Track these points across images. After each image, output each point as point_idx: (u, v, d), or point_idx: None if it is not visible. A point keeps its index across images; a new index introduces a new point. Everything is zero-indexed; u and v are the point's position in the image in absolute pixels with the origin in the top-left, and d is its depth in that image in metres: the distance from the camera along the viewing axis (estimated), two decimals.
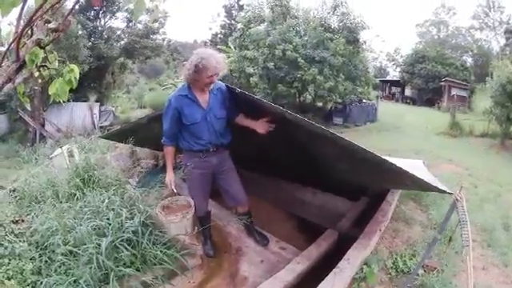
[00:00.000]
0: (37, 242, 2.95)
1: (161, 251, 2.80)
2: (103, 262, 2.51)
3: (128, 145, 4.67)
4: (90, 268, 2.48)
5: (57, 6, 1.53)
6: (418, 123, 16.33)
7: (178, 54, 39.98)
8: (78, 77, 1.99)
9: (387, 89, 32.88)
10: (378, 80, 21.78)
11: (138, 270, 2.65)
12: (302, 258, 2.99)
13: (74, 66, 1.97)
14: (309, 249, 3.15)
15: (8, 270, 2.60)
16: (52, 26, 1.76)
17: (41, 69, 1.99)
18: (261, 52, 13.94)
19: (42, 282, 2.52)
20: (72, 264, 2.58)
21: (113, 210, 2.91)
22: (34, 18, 1.46)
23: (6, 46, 1.58)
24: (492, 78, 13.21)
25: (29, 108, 14.69)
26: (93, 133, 10.50)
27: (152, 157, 5.84)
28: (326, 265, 2.85)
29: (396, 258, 3.13)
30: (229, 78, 15.59)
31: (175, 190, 3.08)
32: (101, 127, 15.28)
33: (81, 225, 2.76)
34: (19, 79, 1.77)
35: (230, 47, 18.15)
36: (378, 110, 18.43)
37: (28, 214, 3.48)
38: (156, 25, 21.42)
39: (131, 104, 24.81)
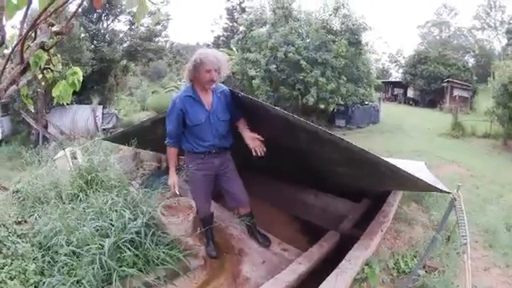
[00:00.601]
0: (39, 243, 2.98)
1: (163, 252, 2.82)
2: (106, 262, 2.53)
3: (131, 147, 4.69)
4: (93, 268, 2.50)
5: (60, 9, 1.55)
6: (420, 124, 16.30)
7: (181, 57, 40.06)
8: (81, 79, 2.01)
9: (390, 90, 32.81)
10: (380, 81, 21.75)
11: (140, 270, 2.67)
12: (304, 259, 3.00)
13: (78, 69, 1.99)
14: (310, 250, 3.16)
15: (11, 270, 2.63)
16: (55, 28, 1.78)
17: (44, 71, 2.02)
18: (263, 54, 13.97)
19: (44, 283, 2.54)
20: (75, 264, 2.60)
21: (116, 211, 2.94)
22: (38, 21, 1.48)
23: (10, 49, 1.61)
24: (494, 78, 13.20)
25: (32, 110, 14.73)
26: (96, 135, 10.52)
27: (155, 159, 5.87)
28: (327, 266, 2.86)
29: (397, 259, 3.13)
30: (231, 80, 15.61)
31: (178, 192, 3.10)
32: (104, 130, 15.29)
33: (84, 226, 2.78)
34: (23, 81, 1.80)
35: (232, 49, 18.19)
36: (381, 112, 18.42)
37: (31, 215, 3.51)
38: (159, 27, 21.51)
39: (134, 107, 24.85)
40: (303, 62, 13.08)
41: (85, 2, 1.60)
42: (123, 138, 4.93)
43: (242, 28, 16.56)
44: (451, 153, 9.84)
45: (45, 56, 1.83)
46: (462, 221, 1.94)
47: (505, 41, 33.87)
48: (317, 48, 13.45)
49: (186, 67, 2.88)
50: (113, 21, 19.77)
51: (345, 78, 13.47)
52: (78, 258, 2.65)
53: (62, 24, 1.79)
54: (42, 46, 1.75)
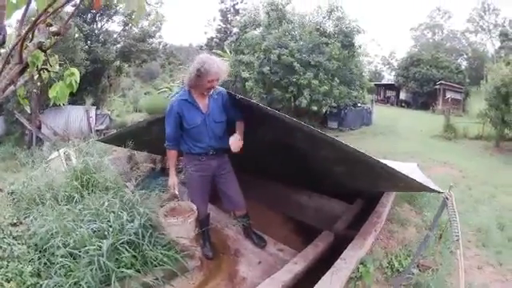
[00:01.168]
0: (35, 245, 2.97)
1: (161, 253, 2.83)
2: (104, 263, 2.53)
3: (126, 149, 4.69)
4: (91, 270, 2.50)
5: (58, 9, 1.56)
6: (412, 126, 16.42)
7: (174, 58, 40.00)
8: (78, 80, 2.02)
9: (382, 92, 33.03)
10: (373, 84, 21.89)
11: (138, 271, 2.68)
12: (299, 259, 3.03)
13: (75, 70, 1.99)
14: (306, 250, 3.20)
15: (7, 272, 2.61)
16: (53, 29, 1.78)
17: (41, 71, 2.02)
18: (256, 56, 13.98)
19: (41, 285, 2.53)
20: (72, 266, 2.59)
21: (113, 212, 2.94)
22: (38, 21, 1.49)
23: (7, 49, 1.61)
24: (487, 80, 13.33)
25: (29, 110, 14.60)
26: (89, 136, 10.48)
27: (150, 160, 5.86)
28: (322, 265, 2.89)
29: (391, 258, 3.18)
30: (224, 82, 15.57)
31: (177, 193, 3.12)
32: (97, 131, 15.21)
33: (81, 227, 2.78)
34: (20, 81, 1.80)
35: (225, 51, 18.19)
36: (373, 114, 18.52)
37: (26, 217, 3.49)
38: (152, 28, 21.44)
39: (127, 108, 24.77)
40: (296, 65, 13.11)
41: (72, 2, 1.60)
42: (119, 139, 4.93)
43: (235, 30, 16.60)
44: (443, 154, 9.93)
45: (42, 56, 1.84)
46: (454, 219, 2.01)
47: (498, 44, 34.23)
48: (310, 50, 13.50)
49: (188, 72, 2.91)
50: (107, 21, 19.68)
51: (338, 81, 13.51)
52: (74, 259, 2.64)
53: (57, 24, 1.79)
54: (40, 47, 1.75)
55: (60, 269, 2.62)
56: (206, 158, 3.11)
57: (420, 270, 2.97)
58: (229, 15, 35.01)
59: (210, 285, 2.99)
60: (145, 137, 4.29)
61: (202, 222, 3.35)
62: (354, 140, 12.98)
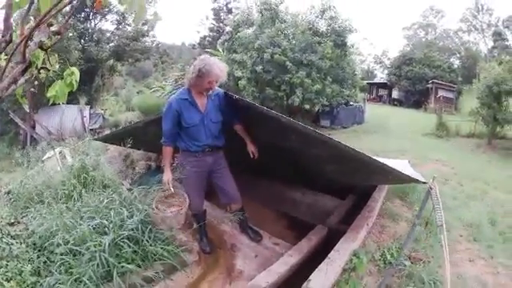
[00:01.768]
0: (34, 244, 2.98)
1: (161, 248, 2.89)
2: (106, 259, 2.57)
3: (121, 147, 4.73)
4: (93, 265, 2.54)
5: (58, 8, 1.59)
6: (404, 125, 16.48)
7: (167, 57, 39.86)
8: (78, 79, 2.06)
9: (374, 91, 33.20)
10: (365, 82, 22.02)
11: (138, 266, 2.73)
12: (294, 252, 3.13)
13: (75, 69, 2.03)
14: (300, 243, 3.30)
15: (7, 271, 2.62)
16: (54, 28, 1.82)
17: (41, 70, 2.05)
18: (249, 55, 13.97)
19: (41, 284, 2.56)
20: (72, 263, 2.62)
21: (113, 209, 2.99)
22: (43, 21, 1.53)
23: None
24: (479, 79, 13.47)
25: (27, 109, 14.54)
26: (83, 135, 10.46)
27: (146, 159, 5.91)
28: (316, 258, 2.98)
29: (383, 251, 3.27)
30: None
31: (172, 189, 3.17)
32: (91, 130, 15.19)
33: (81, 224, 2.82)
34: (21, 80, 1.84)
35: (218, 50, 18.16)
36: (366, 112, 18.60)
37: (24, 216, 3.50)
38: (146, 27, 21.36)
39: (119, 107, 24.64)
40: (289, 64, 13.13)
41: (74, 2, 1.64)
42: (115, 138, 4.96)
43: (228, 29, 16.53)
44: (435, 152, 9.97)
45: (41, 55, 1.87)
46: (438, 206, 2.15)
47: (491, 43, 34.52)
48: (303, 49, 13.53)
49: (188, 72, 2.99)
50: (100, 20, 19.60)
51: (330, 79, 13.56)
52: (74, 256, 2.68)
53: (58, 24, 1.83)
54: (41, 46, 1.79)
55: (60, 266, 2.64)
56: (201, 155, 3.21)
57: (412, 263, 3.06)
58: (222, 14, 34.88)
59: (208, 278, 3.06)
60: (142, 136, 4.34)
61: (199, 218, 3.44)
62: (347, 138, 12.98)
